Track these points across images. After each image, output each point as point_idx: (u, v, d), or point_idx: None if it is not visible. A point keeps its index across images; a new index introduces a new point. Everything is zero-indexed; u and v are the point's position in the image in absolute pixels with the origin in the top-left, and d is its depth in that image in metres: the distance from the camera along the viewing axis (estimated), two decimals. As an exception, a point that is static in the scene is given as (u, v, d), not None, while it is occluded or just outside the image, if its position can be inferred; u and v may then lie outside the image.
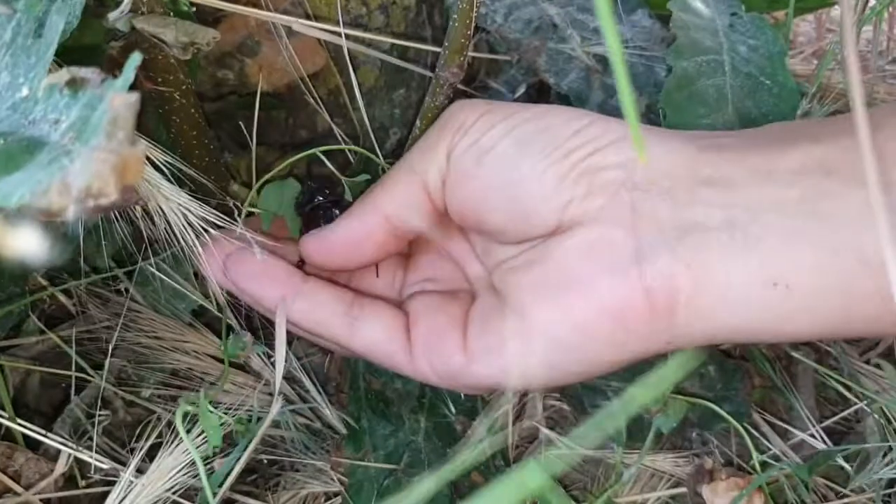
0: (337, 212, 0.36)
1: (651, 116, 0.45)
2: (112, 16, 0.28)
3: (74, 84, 0.23)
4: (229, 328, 0.38)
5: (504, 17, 0.41)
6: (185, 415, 0.32)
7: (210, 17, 0.45)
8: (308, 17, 0.46)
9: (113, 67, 0.33)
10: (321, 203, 0.37)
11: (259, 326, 0.42)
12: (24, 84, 0.25)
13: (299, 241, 0.36)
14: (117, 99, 0.19)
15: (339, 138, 0.47)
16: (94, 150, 0.18)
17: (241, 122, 0.50)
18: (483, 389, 0.37)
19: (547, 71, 0.39)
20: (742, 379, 0.42)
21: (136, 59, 0.21)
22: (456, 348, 0.32)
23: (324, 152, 0.46)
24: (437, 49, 0.37)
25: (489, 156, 0.31)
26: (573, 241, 0.29)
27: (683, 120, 0.39)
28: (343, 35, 0.43)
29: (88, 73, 0.23)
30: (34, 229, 0.21)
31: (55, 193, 0.19)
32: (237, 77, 0.46)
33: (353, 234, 0.34)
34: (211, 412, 0.31)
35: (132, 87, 0.36)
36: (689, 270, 0.27)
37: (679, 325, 0.28)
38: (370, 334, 0.33)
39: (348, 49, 0.44)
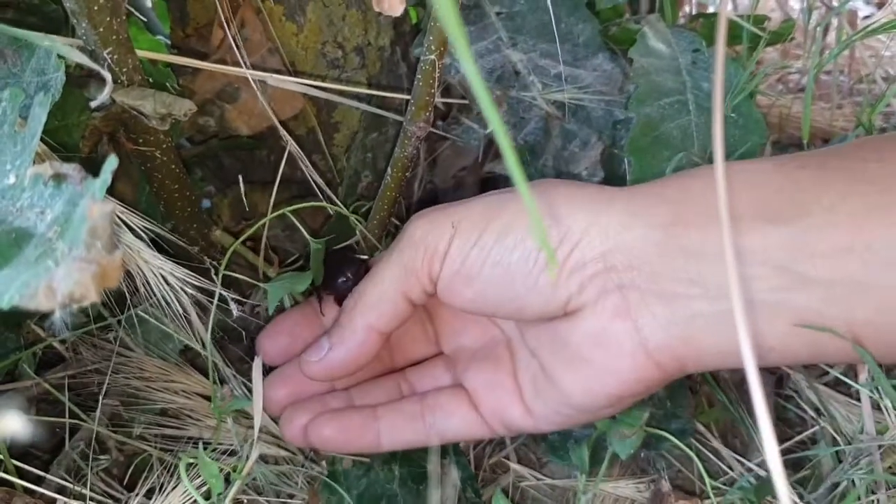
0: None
1: (614, 151, 0.46)
2: (95, 102, 0.29)
3: (58, 177, 0.25)
4: (217, 376, 0.41)
5: (469, 66, 0.42)
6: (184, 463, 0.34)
7: (190, 68, 0.47)
8: (284, 64, 0.47)
9: (95, 136, 0.35)
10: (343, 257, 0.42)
11: (239, 359, 0.45)
12: (11, 171, 0.27)
13: (301, 363, 0.39)
14: (95, 209, 0.21)
15: (316, 176, 0.49)
16: (75, 260, 0.20)
17: (224, 162, 0.52)
18: None
19: (506, 123, 0.41)
20: (687, 396, 0.44)
21: (112, 162, 0.23)
22: (523, 415, 0.38)
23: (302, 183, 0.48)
24: (408, 97, 0.39)
25: (478, 283, 0.35)
26: (583, 330, 0.34)
27: (648, 164, 0.41)
28: (319, 86, 0.45)
29: (70, 169, 0.25)
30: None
31: (42, 297, 0.21)
32: (218, 123, 0.48)
33: (350, 353, 0.38)
34: (209, 461, 0.33)
35: (116, 147, 0.38)
36: (686, 345, 0.33)
37: (689, 370, 0.35)
38: (452, 431, 0.39)
39: (324, 96, 0.46)
